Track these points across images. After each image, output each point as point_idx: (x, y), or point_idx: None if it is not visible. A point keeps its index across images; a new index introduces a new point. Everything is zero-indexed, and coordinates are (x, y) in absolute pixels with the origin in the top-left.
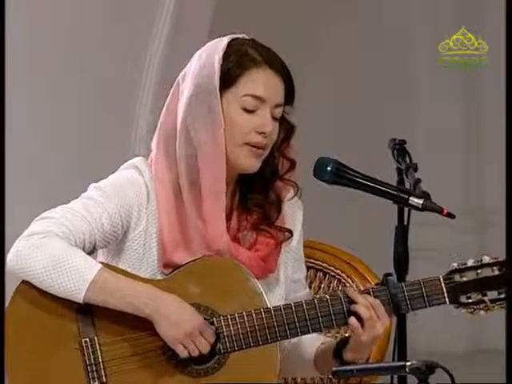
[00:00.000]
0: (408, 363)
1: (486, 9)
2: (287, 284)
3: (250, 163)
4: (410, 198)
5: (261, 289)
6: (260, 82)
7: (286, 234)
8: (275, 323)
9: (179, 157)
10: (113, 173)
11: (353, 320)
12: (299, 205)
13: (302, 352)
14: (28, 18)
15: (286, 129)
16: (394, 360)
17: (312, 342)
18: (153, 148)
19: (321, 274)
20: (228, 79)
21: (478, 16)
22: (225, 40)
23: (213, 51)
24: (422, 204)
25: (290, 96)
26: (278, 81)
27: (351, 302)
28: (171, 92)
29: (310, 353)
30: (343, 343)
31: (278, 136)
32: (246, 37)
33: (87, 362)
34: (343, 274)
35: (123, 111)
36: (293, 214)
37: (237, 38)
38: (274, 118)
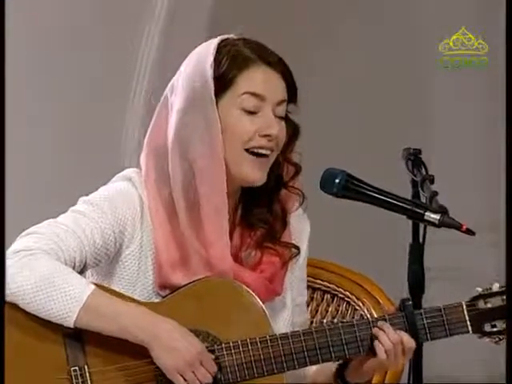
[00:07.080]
0: None
1: (486, 9)
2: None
3: (255, 175)
4: (426, 213)
5: (267, 314)
6: (258, 80)
7: (293, 250)
8: (282, 352)
9: (173, 174)
10: (102, 182)
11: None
12: (306, 217)
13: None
14: (17, 17)
15: (291, 130)
16: None
17: None
18: (142, 165)
19: (328, 296)
20: (223, 83)
21: (477, 16)
22: (214, 42)
23: (203, 56)
24: (439, 219)
25: (291, 93)
26: (276, 77)
27: (365, 330)
28: (159, 106)
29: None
30: (344, 365)
31: None
32: (236, 37)
33: None
34: (353, 296)
35: (113, 114)
36: (299, 227)
37: (226, 39)
38: (278, 117)
